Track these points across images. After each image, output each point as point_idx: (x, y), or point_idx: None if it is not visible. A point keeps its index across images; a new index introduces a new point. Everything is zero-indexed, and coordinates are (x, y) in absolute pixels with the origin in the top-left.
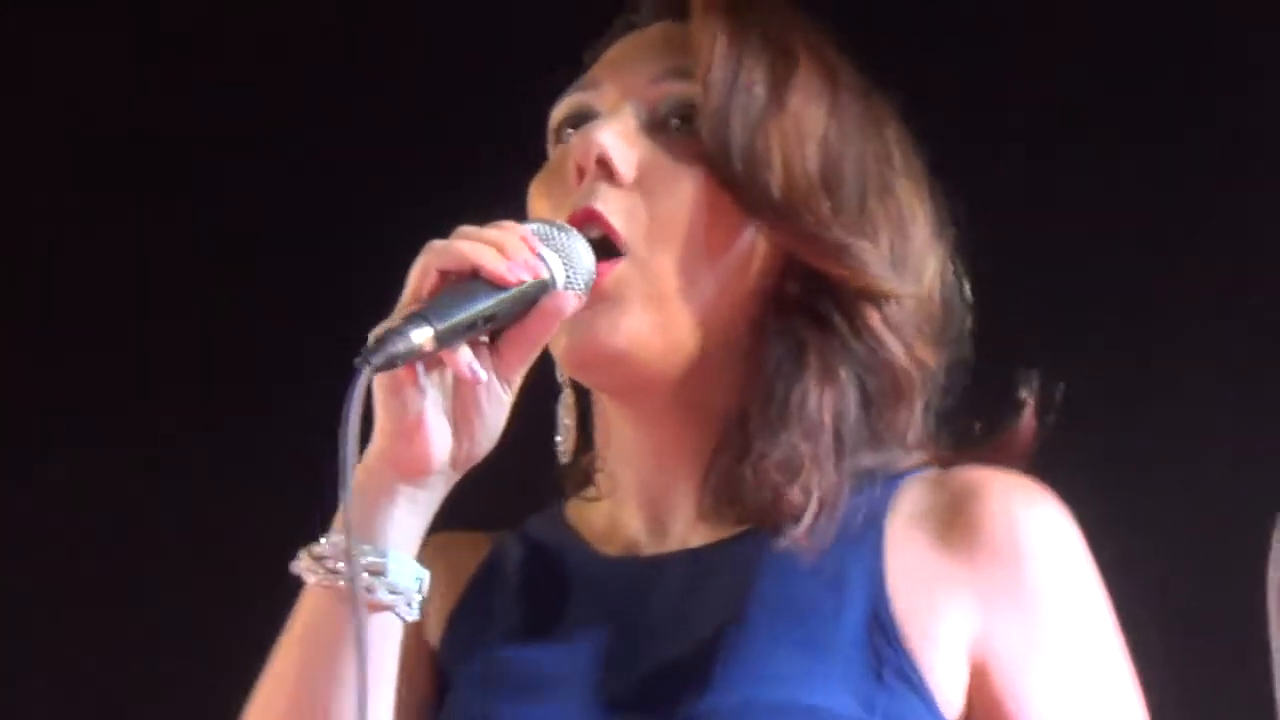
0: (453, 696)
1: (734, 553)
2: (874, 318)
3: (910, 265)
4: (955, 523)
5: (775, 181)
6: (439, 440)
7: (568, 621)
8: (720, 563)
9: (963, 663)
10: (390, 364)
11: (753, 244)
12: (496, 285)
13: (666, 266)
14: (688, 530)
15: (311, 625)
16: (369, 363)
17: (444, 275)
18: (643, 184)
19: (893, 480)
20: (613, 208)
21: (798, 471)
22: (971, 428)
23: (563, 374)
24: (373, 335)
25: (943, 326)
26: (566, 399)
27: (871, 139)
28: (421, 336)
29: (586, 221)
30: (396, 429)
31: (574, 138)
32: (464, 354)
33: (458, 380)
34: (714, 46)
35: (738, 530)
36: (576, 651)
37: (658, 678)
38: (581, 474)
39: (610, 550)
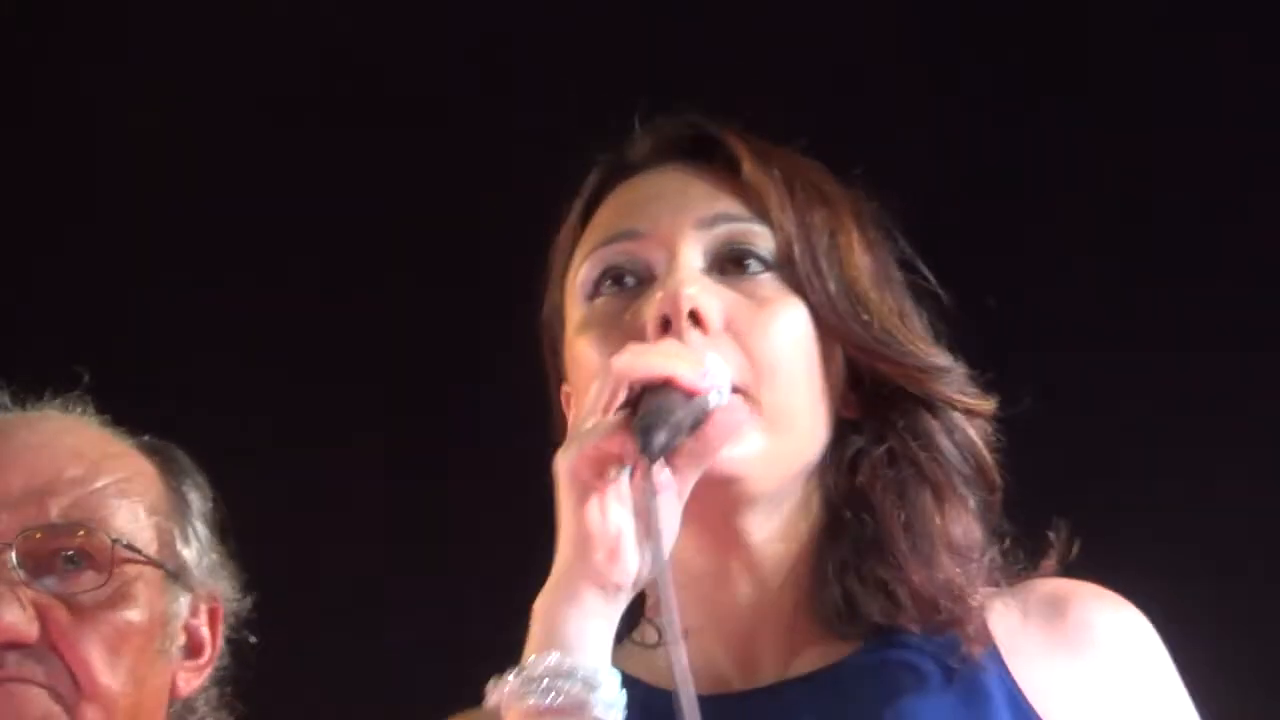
0: None
1: (857, 675)
2: (974, 434)
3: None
4: (1062, 627)
5: (873, 317)
6: (632, 555)
7: None
8: (849, 687)
9: None
10: (664, 450)
11: (836, 369)
12: (688, 395)
13: (773, 400)
14: (785, 657)
15: None
16: (650, 454)
17: (632, 386)
18: (731, 329)
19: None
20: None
21: (959, 593)
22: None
23: None
24: (635, 429)
25: None
26: None
27: (890, 256)
28: (671, 432)
29: None
30: (598, 542)
31: (657, 294)
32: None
33: (637, 495)
34: (780, 194)
35: (850, 649)
36: None
37: None
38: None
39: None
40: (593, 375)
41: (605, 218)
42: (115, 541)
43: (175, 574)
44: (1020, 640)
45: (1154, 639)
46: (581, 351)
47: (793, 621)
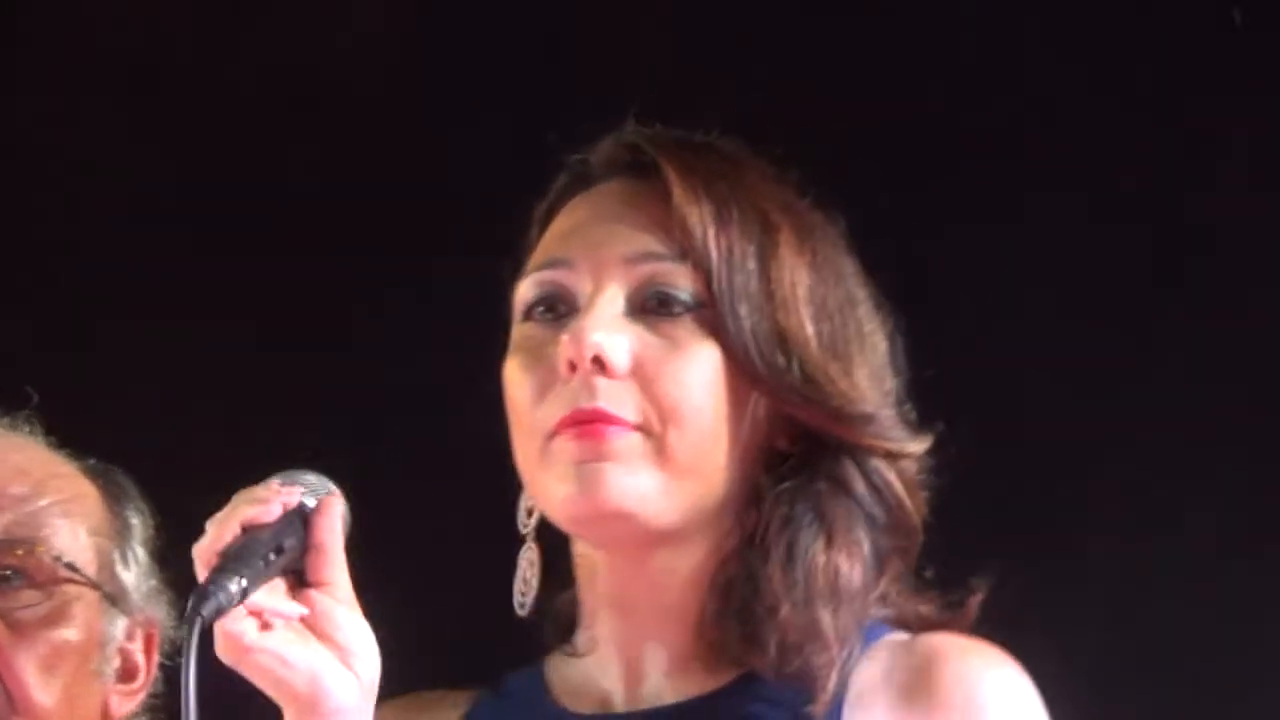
0: None
1: (702, 714)
2: (893, 478)
3: (898, 409)
4: (915, 687)
5: (794, 361)
6: (330, 674)
7: None
8: None
9: None
10: (219, 614)
11: (753, 411)
12: (268, 528)
13: (678, 442)
14: (662, 685)
15: None
16: (200, 614)
17: (222, 555)
18: (638, 373)
19: (866, 636)
20: (617, 402)
21: (825, 643)
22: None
23: (527, 526)
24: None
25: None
26: (530, 553)
27: (842, 278)
28: (235, 585)
29: (596, 422)
30: (289, 690)
31: (564, 336)
32: (272, 600)
33: (302, 619)
34: (706, 228)
35: (715, 686)
36: None
37: None
38: (561, 627)
39: (582, 708)
40: (514, 407)
41: (550, 237)
42: (57, 559)
43: (113, 597)
44: (873, 696)
45: (1026, 707)
46: (508, 374)
47: (682, 650)
